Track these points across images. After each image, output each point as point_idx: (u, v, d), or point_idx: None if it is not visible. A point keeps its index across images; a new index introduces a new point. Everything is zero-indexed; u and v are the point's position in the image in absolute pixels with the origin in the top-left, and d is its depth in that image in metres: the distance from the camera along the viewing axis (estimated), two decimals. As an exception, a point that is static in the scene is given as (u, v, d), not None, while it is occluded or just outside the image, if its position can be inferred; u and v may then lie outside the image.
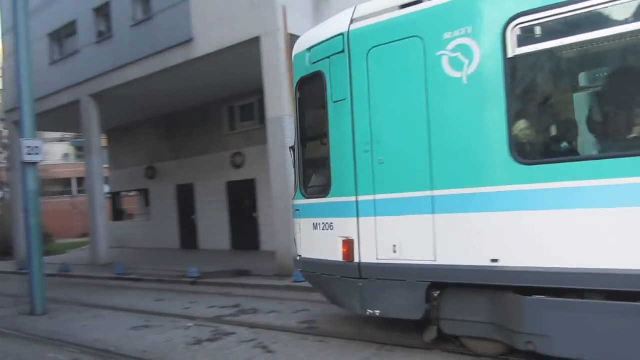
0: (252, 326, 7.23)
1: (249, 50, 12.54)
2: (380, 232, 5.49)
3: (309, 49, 6.29)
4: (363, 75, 5.60)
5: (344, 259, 5.74)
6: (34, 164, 9.77)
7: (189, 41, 14.22)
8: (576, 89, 5.02)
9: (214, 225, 18.84)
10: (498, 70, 4.71)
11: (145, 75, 15.74)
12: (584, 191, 4.25)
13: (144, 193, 22.83)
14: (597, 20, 4.32)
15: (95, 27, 18.19)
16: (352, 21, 5.79)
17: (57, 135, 45.37)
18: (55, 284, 12.68)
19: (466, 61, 4.89)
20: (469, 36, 4.86)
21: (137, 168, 22.40)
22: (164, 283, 12.24)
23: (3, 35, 21.99)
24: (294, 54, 6.70)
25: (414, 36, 5.24)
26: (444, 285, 5.21)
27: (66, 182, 46.06)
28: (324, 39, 6.05)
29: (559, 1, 4.35)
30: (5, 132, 27.13)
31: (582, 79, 5.03)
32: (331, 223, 5.97)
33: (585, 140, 4.76)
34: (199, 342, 6.75)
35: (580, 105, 4.94)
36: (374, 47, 5.53)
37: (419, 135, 5.18)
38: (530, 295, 4.60)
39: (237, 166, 17.91)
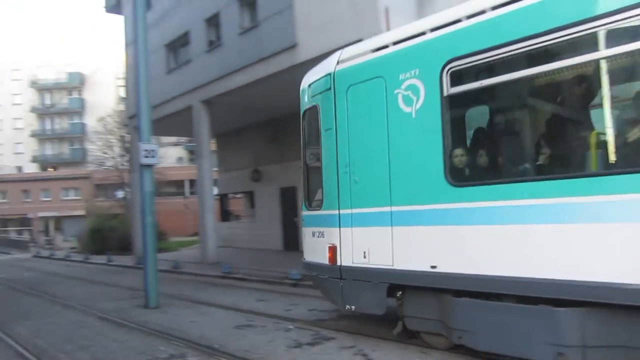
0: (352, 332, 7.15)
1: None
2: (355, 240, 6.56)
3: (309, 85, 7.42)
4: (344, 109, 6.70)
5: (329, 262, 6.86)
6: (150, 166, 10.42)
7: (293, 47, 14.50)
8: (494, 124, 6.05)
9: (315, 227, 19.00)
10: (436, 107, 5.59)
11: (251, 82, 16.31)
12: (501, 210, 5.06)
13: (250, 195, 23.65)
14: (508, 65, 5.12)
15: (206, 36, 19.15)
16: (337, 62, 6.91)
17: (172, 139, 48.40)
18: (167, 280, 13.46)
19: (415, 98, 5.82)
20: (417, 77, 5.81)
21: (244, 171, 23.28)
22: (266, 284, 12.55)
23: (125, 47, 23.84)
24: (300, 88, 7.69)
25: (378, 76, 6.26)
26: (404, 286, 6.16)
27: (180, 183, 49.01)
28: (318, 77, 7.19)
29: (480, 49, 5.23)
30: (128, 137, 29.41)
31: (499, 116, 6.05)
32: (323, 232, 7.10)
33: (503, 167, 5.70)
34: (299, 345, 6.78)
35: (498, 137, 6.03)
36: (351, 85, 6.62)
37: (382, 160, 6.20)
38: (461, 297, 5.48)
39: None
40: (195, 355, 6.48)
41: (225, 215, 25.90)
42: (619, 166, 4.55)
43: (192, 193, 46.81)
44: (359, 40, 12.05)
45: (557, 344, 4.72)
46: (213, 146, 23.31)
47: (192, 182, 47.05)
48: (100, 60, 57.22)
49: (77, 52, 63.82)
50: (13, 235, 53.17)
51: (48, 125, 64.66)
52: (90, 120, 54.24)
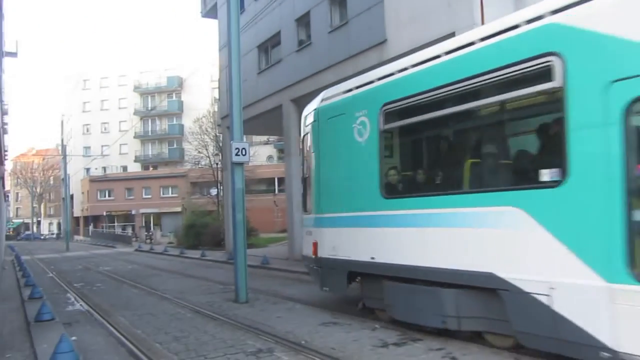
0: (440, 334, 6.85)
1: (442, 48, 12.10)
2: (327, 237, 8.62)
3: (305, 117, 9.52)
4: (323, 137, 8.78)
5: (313, 254, 8.91)
6: (241, 164, 10.67)
7: (382, 42, 14.30)
8: (411, 153, 8.16)
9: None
10: (375, 138, 7.55)
11: (339, 80, 16.23)
12: (421, 217, 6.80)
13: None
14: (419, 110, 6.92)
15: (296, 36, 19.39)
16: (321, 100, 8.97)
17: (263, 138, 49.82)
18: (256, 275, 13.74)
19: (364, 131, 7.74)
20: (366, 115, 7.74)
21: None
22: (353, 282, 12.43)
23: (219, 50, 24.72)
24: (301, 117, 9.89)
25: (343, 113, 8.24)
26: (361, 273, 8.11)
27: (269, 181, 50.25)
28: (309, 111, 9.29)
29: (402, 96, 7.11)
30: (221, 137, 30.52)
31: (413, 147, 8.09)
32: (310, 231, 9.13)
33: (415, 185, 7.55)
34: (385, 345, 6.61)
35: (412, 163, 8.08)
36: (328, 119, 8.61)
37: (343, 177, 8.30)
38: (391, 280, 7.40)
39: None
40: (283, 350, 6.49)
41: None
42: (475, 187, 6.49)
43: (281, 190, 47.76)
44: (452, 34, 11.73)
45: (442, 315, 6.46)
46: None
47: (281, 180, 48.07)
48: (197, 63, 60.07)
49: (175, 57, 67.52)
50: (118, 231, 57.13)
51: (149, 127, 68.80)
52: (187, 122, 57.05)
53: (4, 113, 17.35)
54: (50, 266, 23.11)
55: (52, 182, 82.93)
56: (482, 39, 6.10)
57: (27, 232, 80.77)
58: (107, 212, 61.36)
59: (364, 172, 7.79)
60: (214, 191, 40.20)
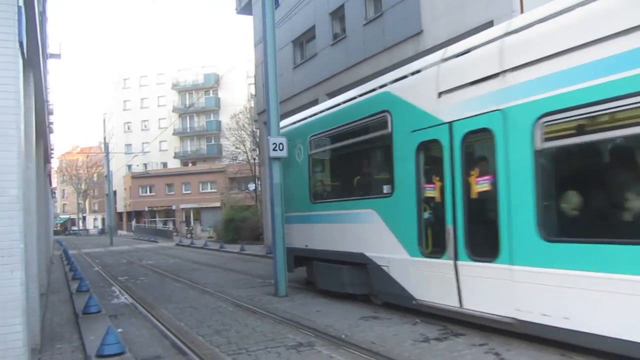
0: (483, 329, 6.74)
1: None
2: (293, 231, 11.09)
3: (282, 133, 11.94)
4: (290, 153, 11.12)
5: (288, 245, 10.97)
6: (278, 158, 10.72)
7: (418, 34, 14.12)
8: (328, 172, 11.12)
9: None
10: (306, 160, 10.63)
11: (374, 72, 16.11)
12: (330, 216, 9.75)
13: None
14: (328, 140, 10.21)
15: (331, 30, 19.33)
16: (293, 123, 11.63)
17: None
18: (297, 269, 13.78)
19: (301, 154, 10.83)
20: (301, 143, 10.77)
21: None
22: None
23: (255, 46, 24.89)
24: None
25: (290, 140, 10.95)
26: (301, 257, 11.10)
27: (306, 176, 50.23)
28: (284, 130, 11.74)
29: (321, 130, 10.19)
30: (258, 132, 30.78)
31: (330, 167, 10.95)
32: (288, 226, 11.08)
33: (328, 193, 10.76)
34: (426, 339, 6.55)
35: (327, 178, 11.19)
36: (290, 140, 11.02)
37: (291, 187, 11.16)
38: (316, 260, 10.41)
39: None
40: (323, 344, 6.51)
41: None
42: (355, 195, 9.38)
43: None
44: (490, 23, 11.49)
45: (343, 283, 9.38)
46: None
47: (318, 175, 48.10)
48: (233, 60, 60.68)
49: (212, 55, 68.35)
50: (159, 226, 58.42)
51: (188, 124, 69.98)
52: (225, 118, 57.74)
53: (50, 113, 17.89)
54: (95, 260, 23.84)
55: (95, 178, 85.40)
56: (360, 95, 9.28)
57: (73, 228, 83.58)
58: (148, 207, 62.82)
59: (301, 183, 10.91)
60: (251, 186, 40.59)
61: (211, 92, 68.52)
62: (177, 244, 35.55)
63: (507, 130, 6.13)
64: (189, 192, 61.36)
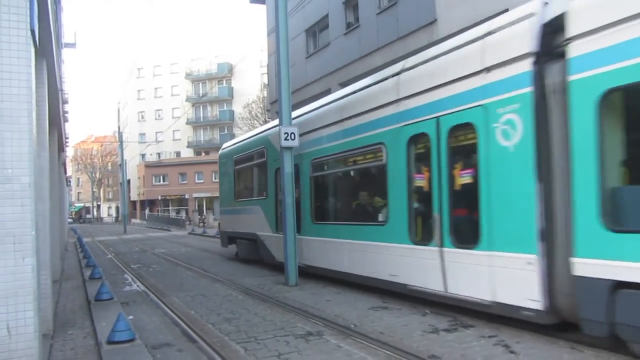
0: (493, 321, 6.71)
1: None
2: (226, 220, 16.83)
3: (219, 155, 18.31)
4: (220, 168, 17.30)
5: (223, 230, 17.25)
6: (290, 148, 10.69)
7: (432, 23, 13.97)
8: (241, 179, 15.78)
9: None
10: (232, 173, 15.98)
11: (387, 62, 16.02)
12: (241, 209, 15.12)
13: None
14: (239, 162, 15.51)
15: (344, 18, 19.19)
16: (222, 148, 17.32)
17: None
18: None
19: (230, 169, 16.05)
20: (232, 161, 15.95)
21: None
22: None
23: (268, 35, 24.81)
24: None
25: (225, 158, 16.64)
26: (231, 237, 16.37)
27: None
28: (219, 153, 18.11)
29: (238, 154, 15.64)
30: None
31: (244, 176, 15.67)
32: (223, 216, 17.21)
33: (242, 193, 15.53)
34: (435, 330, 6.54)
35: (241, 183, 15.74)
36: (222, 159, 16.97)
37: (227, 188, 16.51)
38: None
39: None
40: (332, 334, 6.52)
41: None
42: (253, 196, 14.55)
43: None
44: (505, 11, 11.33)
45: (249, 253, 14.56)
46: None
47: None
48: (246, 50, 60.62)
49: (225, 44, 68.29)
50: (172, 214, 58.85)
51: (201, 114, 70.21)
52: (238, 107, 57.83)
53: (64, 102, 18.01)
54: (109, 248, 24.09)
55: (110, 167, 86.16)
56: (254, 135, 15.13)
57: (88, 216, 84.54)
58: (161, 196, 63.29)
59: (230, 187, 16.03)
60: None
61: (224, 81, 68.61)
62: (190, 233, 35.80)
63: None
64: (202, 181, 61.69)
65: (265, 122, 39.76)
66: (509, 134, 6.30)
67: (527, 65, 6.08)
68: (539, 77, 6.01)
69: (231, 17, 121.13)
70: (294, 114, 11.58)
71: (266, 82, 34.54)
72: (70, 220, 59.14)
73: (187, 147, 69.78)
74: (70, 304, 9.19)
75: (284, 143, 10.53)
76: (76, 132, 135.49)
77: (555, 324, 5.95)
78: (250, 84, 60.29)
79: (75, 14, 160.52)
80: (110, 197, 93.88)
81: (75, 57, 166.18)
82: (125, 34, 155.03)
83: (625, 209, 5.16)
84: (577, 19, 5.49)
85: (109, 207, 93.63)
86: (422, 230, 7.95)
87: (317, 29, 21.70)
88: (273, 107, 23.89)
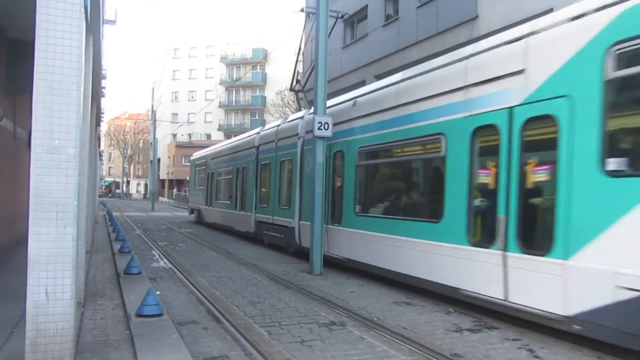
0: (517, 324, 6.66)
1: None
2: (192, 202, 28.77)
3: (190, 160, 30.91)
4: (192, 171, 29.57)
5: (192, 205, 29.19)
6: (323, 138, 10.71)
7: (473, 19, 13.76)
8: (210, 182, 23.80)
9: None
10: (206, 176, 24.84)
11: (424, 57, 15.86)
12: (219, 203, 21.86)
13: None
14: (202, 166, 26.39)
15: (383, 10, 19.04)
16: (193, 155, 29.44)
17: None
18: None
19: (202, 173, 26.00)
20: (202, 165, 26.23)
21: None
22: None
23: (305, 23, 24.76)
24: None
25: (196, 163, 28.03)
26: (198, 210, 26.74)
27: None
28: (192, 159, 30.12)
29: (213, 157, 24.26)
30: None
31: (210, 180, 24.03)
32: (192, 197, 29.40)
33: (214, 195, 23.08)
34: (459, 329, 6.52)
35: (210, 186, 23.78)
36: (195, 165, 28.08)
37: (198, 189, 26.51)
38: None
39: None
40: (355, 325, 6.56)
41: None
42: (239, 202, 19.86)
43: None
44: (550, 10, 11.11)
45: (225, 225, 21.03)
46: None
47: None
48: (282, 36, 60.63)
49: (261, 30, 68.44)
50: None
51: (233, 97, 70.69)
52: (270, 93, 57.99)
53: (103, 77, 18.33)
54: (137, 224, 24.57)
55: (141, 145, 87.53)
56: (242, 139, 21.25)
57: (117, 191, 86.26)
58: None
59: (203, 188, 23.97)
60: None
61: (258, 67, 68.86)
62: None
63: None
64: (230, 164, 62.10)
65: (297, 109, 39.88)
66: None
67: None
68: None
69: (269, 3, 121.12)
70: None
71: (300, 69, 34.56)
72: (100, 193, 60.40)
73: (218, 129, 70.39)
74: (100, 275, 9.44)
75: (318, 132, 10.54)
76: (111, 107, 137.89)
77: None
78: (284, 71, 60.35)
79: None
80: (140, 174, 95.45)
81: (114, 33, 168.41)
82: (164, 14, 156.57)
83: None
84: None
85: (138, 184, 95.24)
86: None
87: (355, 20, 21.58)
88: (307, 95, 23.90)
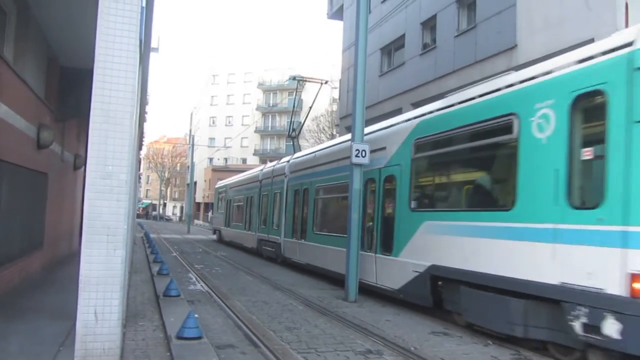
0: (557, 357, 6.50)
1: (579, 56, 11.42)
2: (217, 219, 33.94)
3: (216, 188, 35.70)
4: (216, 198, 34.84)
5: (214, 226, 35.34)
6: (360, 165, 10.79)
7: (511, 48, 13.75)
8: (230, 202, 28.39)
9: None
10: (224, 204, 30.52)
11: (462, 85, 15.87)
12: (233, 227, 27.35)
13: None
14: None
15: (421, 39, 19.19)
16: (217, 186, 34.72)
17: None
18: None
19: (223, 200, 30.84)
20: (224, 193, 30.47)
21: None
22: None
23: (343, 52, 25.14)
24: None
25: (219, 191, 33.28)
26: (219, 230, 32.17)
27: (381, 183, 50.14)
28: (217, 187, 34.71)
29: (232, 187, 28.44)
30: (337, 136, 31.04)
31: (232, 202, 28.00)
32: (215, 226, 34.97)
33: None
34: (498, 363, 6.40)
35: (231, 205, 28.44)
36: (218, 192, 33.53)
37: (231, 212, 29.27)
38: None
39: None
40: (391, 354, 6.51)
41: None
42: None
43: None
44: (591, 40, 11.02)
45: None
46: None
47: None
48: (318, 63, 61.55)
49: (298, 57, 69.65)
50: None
51: (269, 123, 71.74)
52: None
53: (146, 103, 18.95)
54: (174, 246, 24.98)
55: (178, 168, 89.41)
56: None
57: (154, 213, 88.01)
58: (225, 200, 64.92)
59: (223, 212, 29.07)
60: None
61: (294, 93, 69.86)
62: (250, 239, 36.43)
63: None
64: (265, 189, 62.70)
65: (332, 135, 40.18)
66: None
67: None
68: None
69: (307, 32, 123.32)
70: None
71: (335, 96, 34.91)
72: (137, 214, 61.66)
73: (254, 154, 71.37)
74: (140, 297, 9.64)
75: (355, 160, 10.62)
76: (151, 131, 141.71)
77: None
78: (319, 98, 61.08)
79: (159, 19, 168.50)
80: (176, 196, 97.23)
81: (155, 59, 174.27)
82: (204, 41, 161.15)
83: None
84: None
85: (174, 206, 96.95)
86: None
87: (392, 48, 21.80)
88: (343, 122, 24.13)
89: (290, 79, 61.37)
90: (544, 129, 6.66)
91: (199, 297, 10.19)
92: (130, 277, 11.83)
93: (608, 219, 5.59)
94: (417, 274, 9.06)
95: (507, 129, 7.33)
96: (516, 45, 13.82)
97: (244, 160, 71.32)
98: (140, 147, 20.54)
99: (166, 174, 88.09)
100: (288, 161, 18.12)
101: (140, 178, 47.69)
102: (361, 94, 10.93)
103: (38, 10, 9.49)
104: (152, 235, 29.07)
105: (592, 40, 11.31)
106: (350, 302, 10.35)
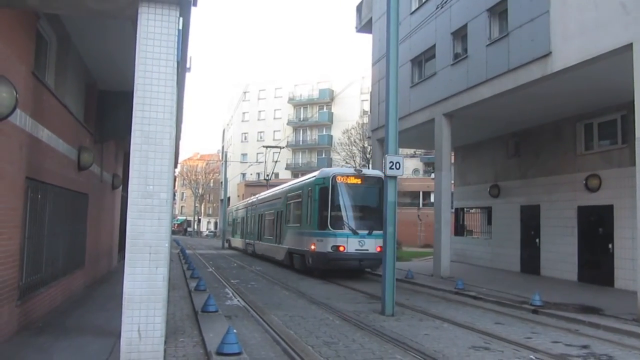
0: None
1: (616, 61, 11.19)
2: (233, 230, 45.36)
3: (229, 211, 49.39)
4: (231, 216, 46.65)
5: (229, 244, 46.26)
6: (394, 177, 10.76)
7: (546, 55, 13.52)
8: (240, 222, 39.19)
9: (560, 252, 17.40)
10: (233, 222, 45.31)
11: (496, 94, 15.71)
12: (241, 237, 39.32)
13: (487, 211, 22.78)
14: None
15: (452, 49, 19.06)
16: (231, 207, 50.15)
17: (410, 151, 49.63)
18: (400, 289, 13.64)
19: (237, 217, 41.52)
20: (236, 211, 42.70)
21: (482, 185, 22.55)
22: (502, 306, 11.86)
23: (372, 65, 25.16)
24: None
25: (232, 210, 46.37)
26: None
27: (414, 194, 49.77)
28: (229, 209, 49.43)
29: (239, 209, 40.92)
30: (369, 149, 31.01)
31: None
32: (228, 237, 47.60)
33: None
34: (543, 378, 6.23)
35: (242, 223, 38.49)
36: (235, 210, 44.72)
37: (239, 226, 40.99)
38: None
39: (592, 190, 16.11)
40: (431, 369, 6.42)
41: (460, 229, 25.38)
42: None
43: (424, 205, 47.03)
44: (629, 46, 10.77)
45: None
46: (452, 159, 23.07)
47: (426, 194, 47.26)
48: (348, 77, 61.80)
49: (328, 71, 70.19)
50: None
51: (301, 137, 72.20)
52: (336, 133, 58.82)
53: (181, 122, 19.35)
54: (209, 261, 25.26)
55: (212, 184, 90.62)
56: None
57: (189, 229, 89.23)
58: (258, 215, 65.41)
59: (231, 227, 44.18)
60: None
61: (325, 107, 70.21)
62: (284, 253, 36.59)
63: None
64: (298, 202, 62.92)
65: (364, 148, 40.21)
66: None
67: None
68: None
69: (336, 46, 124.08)
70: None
71: (366, 108, 34.97)
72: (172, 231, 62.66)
73: (286, 168, 71.78)
74: (179, 313, 9.77)
75: (389, 172, 10.61)
76: (184, 149, 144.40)
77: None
78: (350, 111, 61.24)
79: (191, 38, 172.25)
80: (210, 212, 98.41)
81: (187, 78, 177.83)
82: (235, 59, 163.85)
83: None
84: None
85: (208, 222, 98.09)
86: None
87: (423, 59, 21.70)
88: (374, 134, 24.07)
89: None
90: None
91: (236, 312, 10.27)
92: (169, 294, 12.01)
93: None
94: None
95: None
96: (551, 53, 13.59)
97: (276, 175, 71.77)
98: (175, 165, 20.96)
99: (200, 190, 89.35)
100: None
101: (175, 195, 48.72)
102: (394, 106, 10.93)
103: (77, 38, 9.84)
104: (187, 251, 29.47)
105: (630, 46, 11.05)
106: (388, 316, 10.26)
